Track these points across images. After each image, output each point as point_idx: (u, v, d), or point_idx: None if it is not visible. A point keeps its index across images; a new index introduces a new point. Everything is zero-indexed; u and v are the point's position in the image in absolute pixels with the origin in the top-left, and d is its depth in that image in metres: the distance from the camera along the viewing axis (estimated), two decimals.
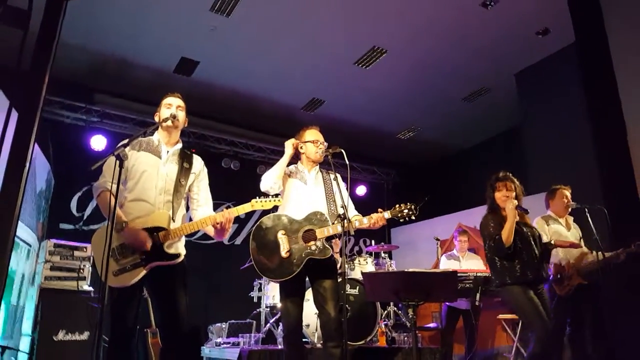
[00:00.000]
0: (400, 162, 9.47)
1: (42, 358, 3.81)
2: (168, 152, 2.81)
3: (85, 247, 4.31)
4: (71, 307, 4.06)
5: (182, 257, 2.68)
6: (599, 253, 3.99)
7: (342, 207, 2.91)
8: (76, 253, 4.26)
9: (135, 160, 2.73)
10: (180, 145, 2.89)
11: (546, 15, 5.45)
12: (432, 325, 5.08)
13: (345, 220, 2.82)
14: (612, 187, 5.10)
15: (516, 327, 5.41)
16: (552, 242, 3.96)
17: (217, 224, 2.64)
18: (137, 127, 6.80)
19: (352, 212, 3.19)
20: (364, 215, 3.14)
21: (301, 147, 3.33)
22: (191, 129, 7.27)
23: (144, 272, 2.54)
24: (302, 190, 3.23)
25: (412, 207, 2.97)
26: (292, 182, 3.26)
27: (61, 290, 4.11)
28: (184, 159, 2.84)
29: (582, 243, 4.31)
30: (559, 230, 4.30)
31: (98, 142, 6.36)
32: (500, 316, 5.63)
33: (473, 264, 5.59)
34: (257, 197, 2.81)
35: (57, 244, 4.21)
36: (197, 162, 2.91)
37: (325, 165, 3.34)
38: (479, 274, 5.06)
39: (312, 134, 3.32)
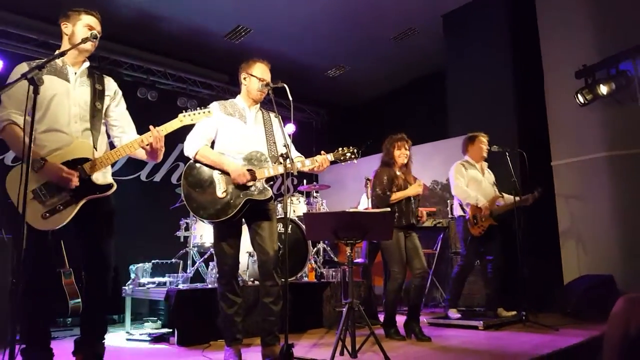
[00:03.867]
0: (329, 101, 9.41)
1: None
2: (76, 73, 2.52)
3: None
4: None
5: (114, 187, 2.49)
6: (515, 196, 4.33)
7: (284, 146, 2.82)
8: None
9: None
10: (87, 63, 2.59)
11: None
12: (359, 260, 5.31)
13: (288, 161, 2.74)
14: (527, 132, 5.50)
15: (432, 261, 5.84)
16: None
17: (147, 145, 2.46)
18: (40, 48, 6.00)
19: (293, 154, 3.10)
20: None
21: (245, 78, 3.11)
22: (103, 54, 6.59)
23: (77, 209, 2.34)
24: (241, 130, 3.06)
25: (355, 150, 2.96)
26: (230, 121, 3.06)
27: None
28: (95, 80, 2.57)
29: (496, 188, 4.66)
30: (475, 175, 4.59)
31: None
32: None
33: None
34: (184, 111, 2.59)
35: None
36: (110, 83, 2.66)
37: (265, 102, 3.20)
38: None
39: (262, 70, 3.09)
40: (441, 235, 5.92)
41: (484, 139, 4.64)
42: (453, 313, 4.42)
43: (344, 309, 2.95)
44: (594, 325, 3.95)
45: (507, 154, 4.47)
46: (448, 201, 5.66)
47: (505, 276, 4.47)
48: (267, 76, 3.10)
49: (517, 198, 4.33)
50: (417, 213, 3.98)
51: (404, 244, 3.84)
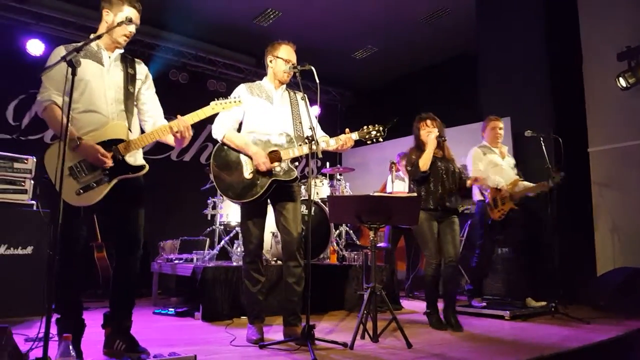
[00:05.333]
0: (355, 83, 9.29)
1: None
2: (110, 57, 2.58)
3: (26, 159, 3.96)
4: (12, 221, 3.81)
5: (146, 169, 2.54)
6: (549, 180, 4.19)
7: (310, 128, 2.80)
8: (16, 165, 3.91)
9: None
10: (121, 50, 2.64)
11: None
12: (382, 245, 5.28)
13: (313, 143, 2.73)
14: (563, 117, 5.30)
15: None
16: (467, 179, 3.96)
17: (177, 132, 2.49)
18: (78, 31, 6.16)
19: (319, 134, 3.10)
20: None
21: (271, 61, 3.13)
22: (135, 37, 6.66)
23: (109, 187, 2.40)
24: (267, 110, 3.07)
25: (380, 128, 2.91)
26: (256, 101, 3.08)
27: (1, 204, 3.82)
28: (127, 64, 2.62)
29: (516, 172, 4.52)
30: (494, 159, 4.47)
31: (35, 47, 5.75)
32: None
33: None
34: (217, 99, 2.62)
35: None
36: (141, 67, 2.71)
37: (291, 84, 3.19)
38: None
39: (287, 52, 3.11)
40: (469, 222, 5.82)
41: (497, 122, 4.53)
42: (477, 302, 4.34)
43: (366, 293, 2.94)
44: (628, 321, 3.80)
45: (541, 139, 4.32)
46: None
47: (532, 264, 4.36)
48: (293, 57, 3.11)
49: (531, 184, 4.21)
50: (455, 196, 3.69)
51: (435, 227, 3.61)
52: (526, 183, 4.41)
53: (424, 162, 3.57)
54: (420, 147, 3.76)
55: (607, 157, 4.99)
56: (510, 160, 4.59)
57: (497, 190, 4.29)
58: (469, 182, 3.74)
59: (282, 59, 3.07)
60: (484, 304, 4.32)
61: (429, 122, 3.76)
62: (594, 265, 4.88)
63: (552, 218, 4.23)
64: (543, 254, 4.43)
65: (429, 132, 3.67)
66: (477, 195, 4.50)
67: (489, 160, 4.44)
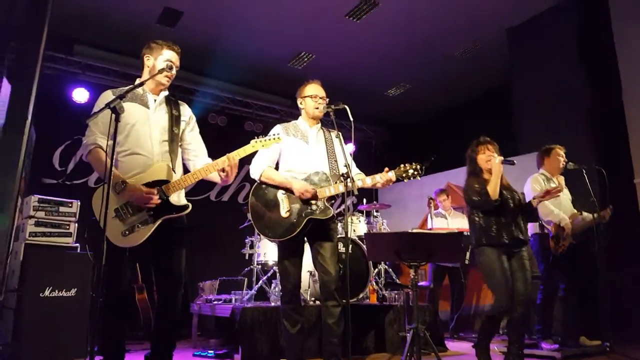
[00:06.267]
0: (389, 120, 9.36)
1: (29, 314, 3.73)
2: (155, 100, 2.68)
3: (71, 203, 4.15)
4: (58, 264, 3.95)
5: (190, 208, 2.59)
6: (594, 214, 4.01)
7: (345, 166, 2.81)
8: (61, 209, 4.09)
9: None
10: (165, 92, 2.74)
11: None
12: (424, 283, 5.14)
13: (349, 180, 2.73)
14: (605, 148, 5.13)
15: None
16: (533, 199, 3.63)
17: (222, 170, 2.56)
18: (120, 79, 6.51)
19: (354, 171, 3.11)
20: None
21: (301, 103, 3.23)
22: (175, 82, 6.97)
23: (154, 228, 2.45)
24: (303, 149, 3.12)
25: (418, 167, 2.89)
26: (292, 141, 3.13)
27: (47, 246, 3.98)
28: (172, 106, 2.72)
29: (571, 204, 4.34)
30: None
31: (80, 95, 6.15)
32: None
33: (459, 222, 5.63)
34: (256, 137, 2.68)
35: (41, 199, 4.03)
36: (185, 108, 2.80)
37: (326, 123, 3.25)
38: (467, 233, 5.10)
39: (312, 89, 3.18)
40: None
41: (560, 150, 4.35)
42: (548, 344, 4.02)
43: (409, 334, 2.84)
44: None
45: (584, 171, 4.17)
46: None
47: (584, 300, 4.12)
48: (320, 91, 3.17)
49: (595, 215, 3.99)
50: (525, 226, 3.40)
51: (506, 264, 3.23)
52: (585, 215, 4.19)
53: (494, 190, 3.24)
54: (477, 173, 3.46)
55: None
56: (567, 193, 4.39)
57: (559, 227, 4.07)
58: (535, 202, 3.46)
59: (309, 96, 3.16)
60: (556, 346, 3.97)
61: (490, 146, 3.48)
62: None
63: (600, 252, 4.02)
64: (593, 290, 4.18)
65: (491, 156, 3.40)
66: (533, 228, 4.27)
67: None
